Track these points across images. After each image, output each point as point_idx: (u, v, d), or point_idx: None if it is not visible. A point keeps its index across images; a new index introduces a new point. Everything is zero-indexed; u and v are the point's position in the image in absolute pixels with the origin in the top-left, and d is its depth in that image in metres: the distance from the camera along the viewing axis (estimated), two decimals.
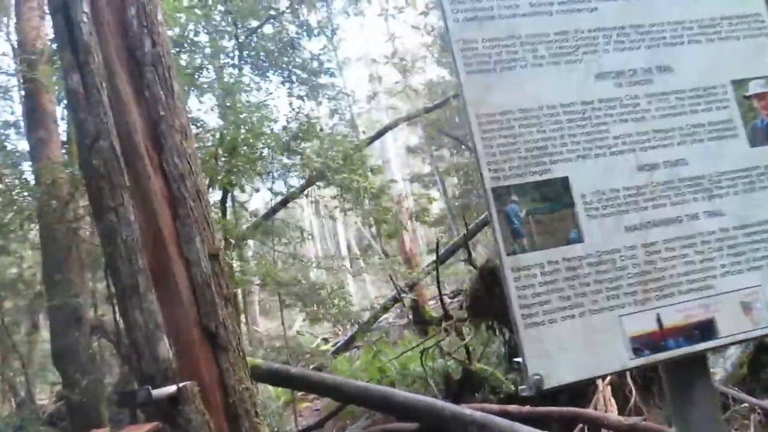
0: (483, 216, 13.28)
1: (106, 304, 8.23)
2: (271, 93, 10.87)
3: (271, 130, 8.14)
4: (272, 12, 10.21)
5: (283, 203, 9.75)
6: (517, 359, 1.38)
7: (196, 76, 8.24)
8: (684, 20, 1.57)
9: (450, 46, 1.45)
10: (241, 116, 7.55)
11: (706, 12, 1.58)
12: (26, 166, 7.90)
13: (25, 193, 6.97)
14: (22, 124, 8.60)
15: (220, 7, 8.89)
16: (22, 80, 7.79)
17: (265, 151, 8.23)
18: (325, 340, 14.92)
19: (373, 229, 13.03)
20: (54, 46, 7.41)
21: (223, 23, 9.10)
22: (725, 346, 1.52)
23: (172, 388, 2.83)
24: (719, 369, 5.56)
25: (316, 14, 12.33)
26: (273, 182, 9.07)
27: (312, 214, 24.57)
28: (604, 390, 5.71)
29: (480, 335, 7.47)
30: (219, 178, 7.20)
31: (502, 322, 6.87)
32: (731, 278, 1.44)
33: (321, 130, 9.24)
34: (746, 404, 5.24)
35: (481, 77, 1.44)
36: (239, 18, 9.14)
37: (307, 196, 10.01)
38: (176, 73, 3.47)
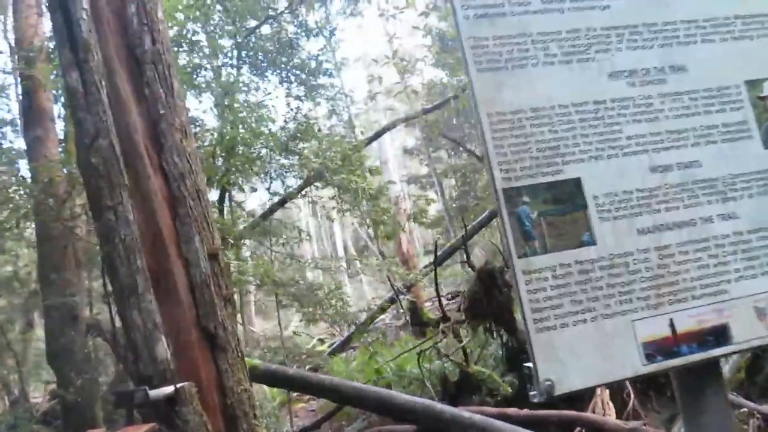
0: (480, 218, 13.28)
1: (101, 303, 8.19)
2: (269, 93, 10.84)
3: (269, 130, 8.11)
4: (271, 12, 10.18)
5: (281, 203, 9.71)
6: (527, 364, 1.35)
7: (195, 76, 8.21)
8: (697, 19, 1.54)
9: (460, 44, 1.42)
10: (240, 116, 7.51)
11: (719, 11, 1.55)
12: (23, 164, 7.86)
13: (22, 191, 6.92)
14: (19, 122, 8.55)
15: (219, 7, 8.85)
16: (19, 78, 7.73)
17: (263, 151, 8.19)
18: (321, 341, 14.88)
19: (371, 230, 12.99)
20: (52, 43, 7.37)
21: (221, 23, 9.06)
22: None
23: (169, 389, 2.79)
24: None
25: (315, 15, 12.32)
26: (271, 182, 9.03)
27: (309, 214, 24.54)
28: (602, 393, 5.69)
29: (478, 337, 7.45)
30: (217, 177, 7.16)
31: (500, 324, 6.86)
32: (745, 283, 1.41)
33: (319, 130, 9.21)
34: (745, 409, 5.23)
35: (491, 75, 1.41)
36: (238, 17, 9.10)
37: (304, 196, 9.98)
38: (176, 72, 3.43)
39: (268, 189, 9.21)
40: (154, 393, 2.70)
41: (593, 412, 5.38)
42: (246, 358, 3.58)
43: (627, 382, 5.62)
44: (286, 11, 10.73)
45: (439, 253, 9.89)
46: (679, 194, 1.43)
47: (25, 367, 9.43)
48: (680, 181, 1.44)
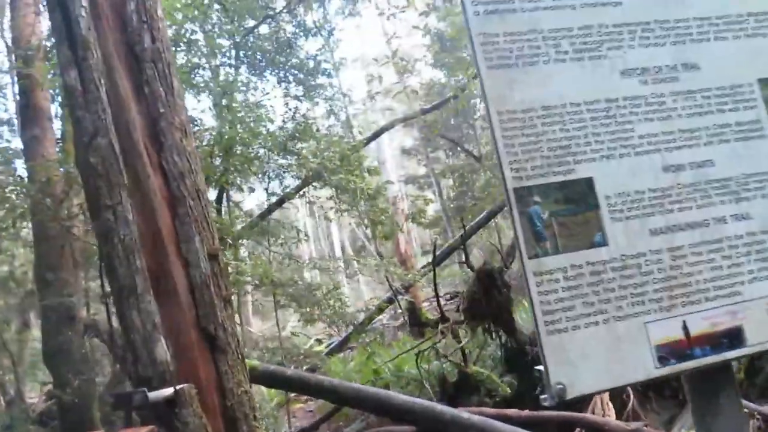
0: (479, 218, 13.28)
1: (99, 304, 8.16)
2: (267, 93, 10.81)
3: (267, 130, 8.08)
4: (269, 12, 10.15)
5: (279, 203, 9.68)
6: (538, 367, 1.32)
7: (192, 75, 8.17)
8: (710, 16, 1.51)
9: (470, 41, 1.39)
10: (238, 116, 7.48)
11: (732, 8, 1.53)
12: (19, 163, 7.82)
13: (19, 191, 6.87)
14: (15, 121, 8.50)
15: (217, 6, 8.81)
16: (16, 77, 7.69)
17: (261, 151, 8.16)
18: (319, 341, 14.85)
19: (368, 231, 12.97)
20: (49, 42, 7.33)
21: (219, 22, 9.02)
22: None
23: (169, 391, 2.76)
24: None
25: (313, 14, 12.29)
26: (269, 182, 9.00)
27: (306, 215, 24.50)
28: (602, 394, 5.68)
29: (476, 338, 7.43)
30: (215, 177, 7.12)
31: (499, 324, 6.84)
32: (759, 284, 1.39)
33: (317, 130, 9.18)
34: (745, 410, 5.22)
35: (502, 73, 1.38)
36: (236, 17, 9.07)
37: (302, 196, 9.95)
38: (176, 70, 3.39)
39: (266, 189, 9.18)
40: (153, 395, 2.67)
41: (593, 413, 5.36)
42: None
43: None
44: (285, 11, 10.70)
45: (437, 253, 9.87)
46: (692, 194, 1.41)
47: (21, 367, 9.38)
48: (693, 181, 1.42)
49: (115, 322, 5.75)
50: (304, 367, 10.08)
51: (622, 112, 1.42)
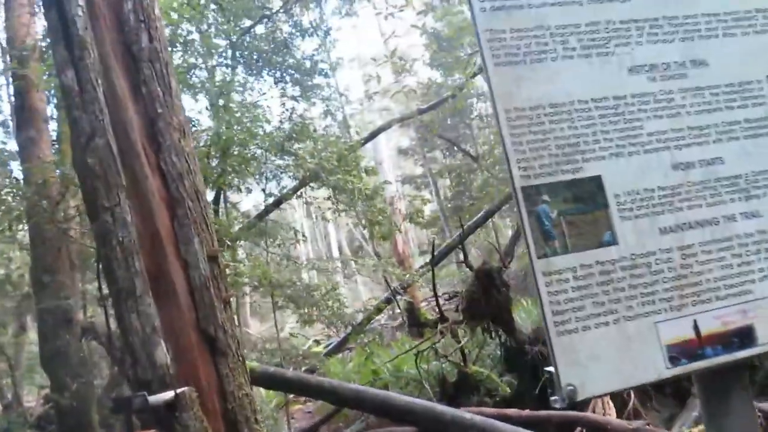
0: (476, 218, 13.27)
1: (96, 306, 8.12)
2: (264, 93, 10.78)
3: (264, 130, 8.05)
4: (266, 12, 10.12)
5: (276, 204, 9.65)
6: (548, 368, 1.30)
7: (189, 76, 8.14)
8: (718, 12, 1.50)
9: (477, 37, 1.37)
10: (236, 116, 7.45)
11: (741, 4, 1.51)
12: (14, 166, 7.78)
13: (14, 193, 6.83)
14: (10, 123, 8.45)
15: (213, 6, 8.78)
16: (11, 78, 7.64)
17: (259, 152, 8.13)
18: (317, 342, 14.82)
19: (366, 231, 12.94)
20: (44, 43, 7.29)
21: (215, 22, 8.99)
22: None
23: (169, 394, 2.73)
24: None
25: (309, 15, 12.26)
26: (266, 183, 8.97)
27: (303, 216, 24.47)
28: None
29: (476, 337, 7.41)
30: (213, 178, 7.09)
31: (498, 324, 6.82)
32: None
33: (315, 130, 9.15)
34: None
35: (509, 70, 1.36)
36: (232, 17, 9.04)
37: (299, 197, 9.92)
38: (173, 70, 3.36)
39: (264, 190, 9.15)
40: (153, 398, 2.64)
41: (593, 411, 5.35)
42: None
43: None
44: (281, 11, 10.67)
45: (435, 253, 9.85)
46: (702, 192, 1.39)
47: (19, 371, 9.34)
48: (702, 179, 1.40)
49: (113, 325, 5.72)
50: (303, 368, 10.05)
51: (631, 110, 1.40)
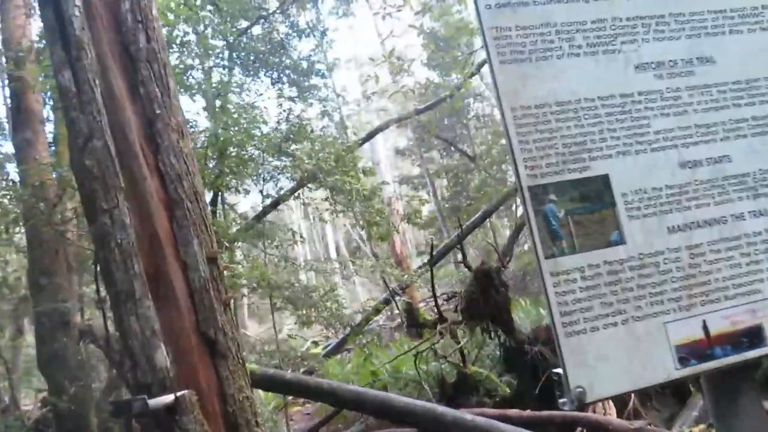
0: (474, 218, 13.26)
1: (93, 308, 8.09)
2: (261, 94, 10.77)
3: (261, 131, 8.03)
4: (262, 12, 10.10)
5: (274, 205, 9.63)
6: (556, 370, 1.29)
7: (185, 77, 8.11)
8: (725, 9, 1.48)
9: (482, 35, 1.36)
10: (233, 117, 7.42)
11: (747, 1, 1.50)
12: (10, 168, 7.74)
13: (11, 195, 6.80)
14: (6, 125, 8.42)
15: (210, 7, 8.75)
16: (7, 80, 7.61)
17: (256, 153, 8.11)
18: (315, 343, 14.79)
19: (363, 232, 12.93)
20: (40, 44, 7.26)
21: (212, 23, 8.96)
22: None
23: (169, 398, 2.70)
24: None
25: (305, 15, 12.25)
26: (264, 184, 8.94)
27: (301, 217, 24.45)
28: None
29: (475, 338, 7.39)
30: (210, 180, 7.07)
31: (498, 324, 6.81)
32: None
33: (312, 131, 9.13)
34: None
35: (515, 67, 1.35)
36: (229, 18, 9.01)
37: (297, 198, 9.90)
38: (171, 71, 3.34)
39: (261, 191, 9.12)
40: (153, 402, 2.61)
41: (594, 411, 5.33)
42: None
43: None
44: (278, 11, 10.65)
45: (433, 253, 9.83)
46: (710, 191, 1.38)
47: (16, 374, 9.29)
48: (710, 177, 1.39)
49: (111, 328, 5.69)
50: (302, 370, 10.03)
51: (638, 108, 1.39)
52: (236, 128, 7.39)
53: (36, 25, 7.86)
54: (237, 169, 7.48)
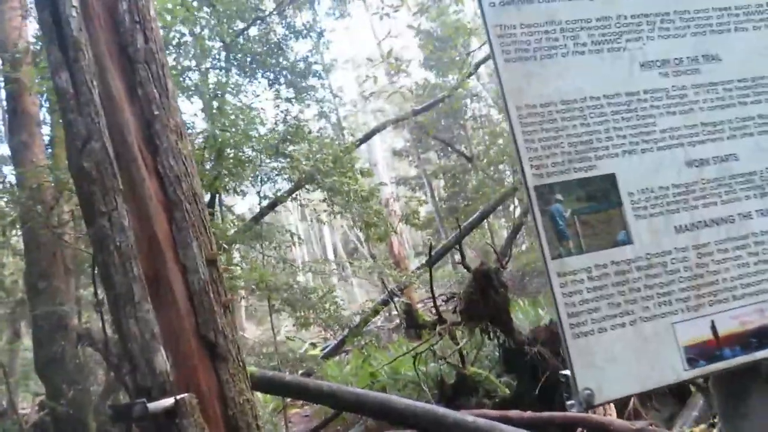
0: (472, 218, 13.25)
1: (91, 311, 8.05)
2: (258, 95, 10.75)
3: (258, 133, 8.00)
4: (259, 13, 10.08)
5: (271, 207, 9.60)
6: (564, 372, 1.27)
7: (182, 79, 8.08)
8: (730, 6, 1.47)
9: (486, 33, 1.34)
10: (231, 118, 7.40)
11: None
12: (7, 170, 7.71)
13: (7, 198, 6.77)
14: (2, 127, 8.39)
15: (206, 9, 8.73)
16: (3, 82, 7.57)
17: (253, 154, 8.08)
18: (313, 345, 14.76)
19: (361, 233, 12.91)
20: (37, 46, 7.23)
21: (208, 24, 8.94)
22: None
23: (169, 401, 2.68)
24: None
25: (302, 16, 12.24)
26: (261, 185, 8.92)
27: (298, 218, 24.42)
28: None
29: (474, 339, 7.38)
30: (208, 182, 7.04)
31: (497, 325, 6.79)
32: None
33: (309, 132, 9.11)
34: None
35: (519, 66, 1.33)
36: (225, 19, 8.99)
37: (294, 199, 9.88)
38: (169, 72, 3.32)
39: (259, 192, 9.10)
40: (153, 406, 2.60)
41: (594, 411, 5.32)
42: None
43: None
44: (274, 12, 10.63)
45: (432, 254, 9.83)
46: (716, 189, 1.37)
47: (13, 377, 9.25)
48: (717, 176, 1.38)
49: (109, 331, 5.66)
50: (300, 372, 10.01)
51: (643, 106, 1.38)
52: (234, 129, 7.36)
53: (32, 27, 7.84)
54: (235, 170, 7.46)
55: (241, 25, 9.84)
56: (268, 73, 10.16)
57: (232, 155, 7.56)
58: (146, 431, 2.72)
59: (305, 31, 11.12)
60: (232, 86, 9.04)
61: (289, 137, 8.46)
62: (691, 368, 1.28)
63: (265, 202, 9.27)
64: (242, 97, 9.40)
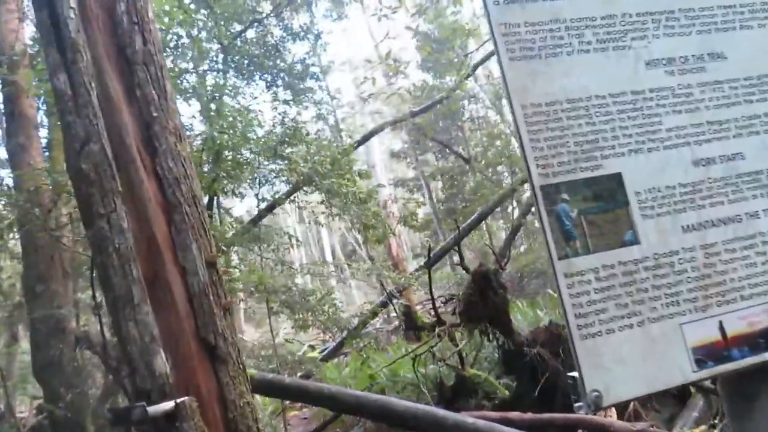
0: (470, 220, 13.24)
1: (89, 314, 8.02)
2: (256, 97, 10.73)
3: (256, 135, 7.99)
4: (256, 16, 10.07)
5: (270, 209, 9.58)
6: (571, 374, 1.26)
7: (180, 81, 8.07)
8: (734, 4, 1.46)
9: (491, 31, 1.33)
10: (228, 120, 7.38)
11: None
12: (4, 173, 7.69)
13: (5, 201, 6.74)
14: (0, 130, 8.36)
15: (204, 11, 8.72)
16: (0, 84, 7.54)
17: (251, 156, 8.07)
18: (312, 347, 14.73)
19: (359, 235, 12.90)
20: (34, 49, 7.21)
21: (206, 26, 8.93)
22: None
23: (169, 404, 2.66)
24: None
25: (299, 18, 12.23)
26: (259, 187, 8.90)
27: (296, 221, 24.41)
28: None
29: (473, 340, 7.36)
30: (206, 184, 7.02)
31: (496, 326, 6.78)
32: None
33: (307, 134, 9.10)
34: None
35: (524, 64, 1.32)
36: (223, 21, 8.98)
37: (293, 201, 9.86)
38: (168, 73, 3.30)
39: (257, 195, 9.08)
40: (152, 409, 2.57)
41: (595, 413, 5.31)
42: None
43: None
44: (272, 14, 10.62)
45: (430, 255, 9.80)
46: (723, 188, 1.36)
47: (10, 381, 9.21)
48: (724, 175, 1.36)
49: (108, 334, 5.64)
50: (299, 374, 9.98)
51: (649, 105, 1.36)
52: (232, 132, 7.35)
53: (29, 30, 7.83)
54: (233, 172, 7.44)
55: (238, 27, 9.84)
56: (265, 75, 10.15)
57: (230, 157, 7.54)
58: None
59: (302, 33, 11.13)
60: (230, 88, 9.03)
61: (287, 139, 8.44)
62: (699, 369, 1.26)
63: (263, 205, 9.25)
64: (240, 99, 9.40)
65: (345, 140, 12.22)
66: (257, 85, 10.19)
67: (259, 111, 9.06)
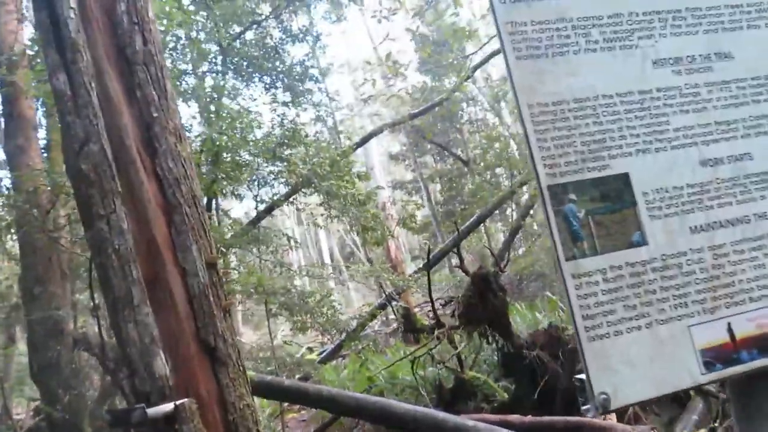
0: (469, 222, 13.23)
1: (86, 316, 7.99)
2: (255, 99, 10.73)
3: (255, 136, 7.98)
4: (255, 17, 10.06)
5: (268, 211, 9.57)
6: (579, 376, 1.25)
7: (179, 82, 8.06)
8: (741, 3, 1.45)
9: (497, 30, 1.32)
10: (227, 122, 7.37)
11: None
12: (2, 174, 7.67)
13: (3, 202, 6.72)
14: None
15: (203, 12, 8.71)
16: None
17: (251, 158, 8.06)
18: (310, 350, 14.70)
19: (358, 237, 12.89)
20: (33, 50, 7.19)
21: (205, 27, 8.92)
22: None
23: (168, 406, 2.65)
24: None
25: (298, 20, 12.23)
26: (258, 189, 8.89)
27: (295, 223, 24.39)
28: None
29: (472, 343, 7.35)
30: (206, 185, 7.01)
31: (495, 329, 6.77)
32: None
33: (306, 136, 9.09)
34: None
35: (531, 63, 1.31)
36: (222, 23, 8.97)
37: (291, 203, 9.85)
38: (168, 74, 3.29)
39: (256, 196, 9.07)
40: (152, 411, 2.56)
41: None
42: None
43: None
44: (271, 16, 10.62)
45: (430, 257, 9.80)
46: (731, 189, 1.35)
47: (8, 382, 9.18)
48: (732, 175, 1.35)
49: (106, 335, 5.61)
50: (297, 376, 9.95)
51: (657, 104, 1.35)
52: (231, 133, 7.33)
53: (28, 30, 7.81)
54: (232, 174, 7.43)
55: (237, 28, 9.84)
56: (264, 77, 10.15)
57: (229, 159, 7.53)
58: None
59: (302, 35, 11.13)
60: (229, 90, 9.03)
61: (285, 141, 8.44)
62: (708, 372, 1.25)
63: (261, 206, 9.23)
64: (239, 100, 9.39)
65: (344, 142, 12.22)
66: (256, 86, 10.19)
67: (258, 113, 9.06)
